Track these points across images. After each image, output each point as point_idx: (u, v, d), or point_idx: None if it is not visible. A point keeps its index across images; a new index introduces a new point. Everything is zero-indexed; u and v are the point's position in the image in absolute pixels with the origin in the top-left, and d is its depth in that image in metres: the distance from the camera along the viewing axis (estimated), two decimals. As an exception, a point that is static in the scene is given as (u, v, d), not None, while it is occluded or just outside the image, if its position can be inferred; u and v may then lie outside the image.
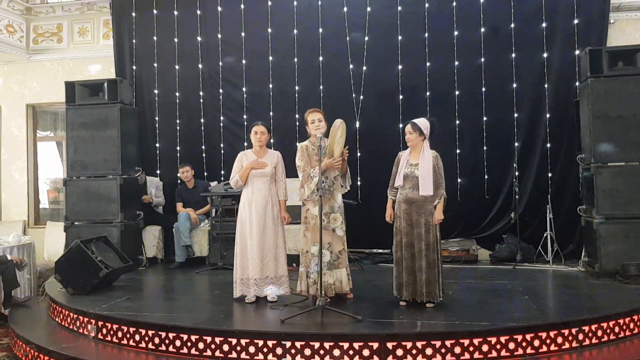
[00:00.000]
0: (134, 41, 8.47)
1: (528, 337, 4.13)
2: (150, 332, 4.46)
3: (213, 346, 4.24)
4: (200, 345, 4.28)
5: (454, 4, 7.59)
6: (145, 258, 7.56)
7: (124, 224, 7.08)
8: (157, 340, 4.43)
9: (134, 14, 8.45)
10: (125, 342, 4.59)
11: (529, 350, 4.13)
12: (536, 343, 4.15)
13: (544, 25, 7.37)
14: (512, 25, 7.44)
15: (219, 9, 8.22)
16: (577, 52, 7.21)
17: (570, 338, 4.25)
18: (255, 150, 5.36)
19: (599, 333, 4.37)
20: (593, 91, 6.25)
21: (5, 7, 8.71)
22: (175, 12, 8.33)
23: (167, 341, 4.39)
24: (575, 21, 7.28)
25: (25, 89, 9.22)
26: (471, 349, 4.04)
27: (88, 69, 8.86)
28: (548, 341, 4.18)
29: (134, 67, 8.47)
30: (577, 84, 7.11)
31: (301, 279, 5.08)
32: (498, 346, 4.08)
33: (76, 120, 7.27)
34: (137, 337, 4.52)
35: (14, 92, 9.24)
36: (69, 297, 5.54)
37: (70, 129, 7.29)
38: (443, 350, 4.02)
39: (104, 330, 4.74)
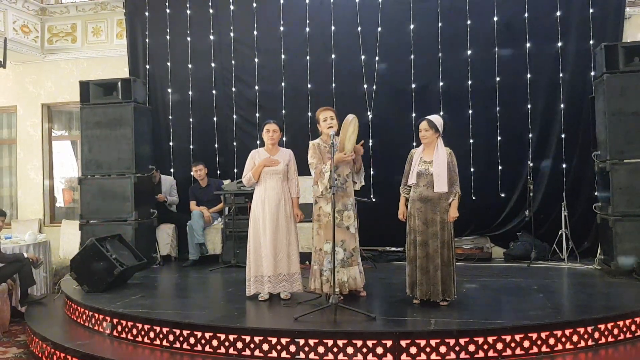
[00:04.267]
0: (147, 40, 8.53)
1: (543, 335, 4.10)
2: (164, 330, 4.49)
3: (227, 343, 4.26)
4: (214, 343, 4.29)
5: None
6: (159, 256, 7.60)
7: (138, 222, 7.12)
8: (171, 337, 4.45)
9: (147, 14, 8.50)
10: (140, 339, 4.62)
11: (544, 349, 4.09)
12: (551, 341, 4.11)
13: (558, 20, 7.30)
14: (526, 20, 7.38)
15: (232, 7, 8.25)
16: (592, 47, 7.13)
17: (586, 336, 4.21)
18: (268, 148, 5.37)
19: (615, 331, 4.33)
20: (609, 87, 6.18)
21: (20, 7, 8.80)
22: (188, 12, 8.37)
23: (181, 338, 4.41)
24: (591, 16, 7.20)
25: (40, 88, 9.31)
26: (485, 347, 4.02)
27: (102, 69, 8.92)
28: (563, 339, 4.14)
29: (147, 67, 8.53)
30: (592, 80, 7.04)
31: (314, 276, 5.08)
32: (512, 344, 4.05)
33: (90, 119, 7.31)
34: (151, 334, 4.55)
35: (29, 92, 9.34)
36: (84, 295, 5.59)
37: (85, 128, 7.33)
38: (457, 348, 4.00)
39: (119, 328, 4.77)
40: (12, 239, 6.97)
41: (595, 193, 6.88)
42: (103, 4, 9.04)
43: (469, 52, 7.54)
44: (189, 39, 8.37)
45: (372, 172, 7.65)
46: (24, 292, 6.32)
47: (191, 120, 8.38)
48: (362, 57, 7.80)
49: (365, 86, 7.79)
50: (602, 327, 4.27)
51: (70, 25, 9.22)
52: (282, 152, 5.38)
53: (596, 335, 4.23)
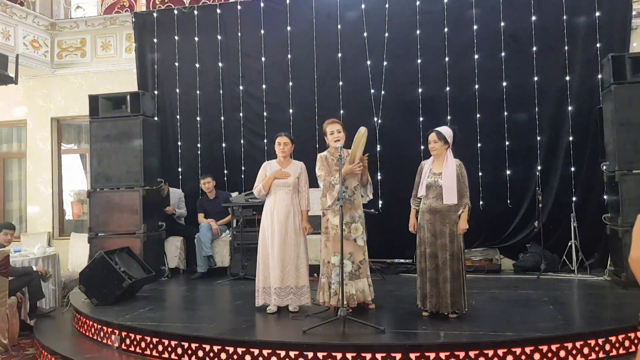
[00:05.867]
0: (155, 54, 8.59)
1: (554, 347, 4.07)
2: (173, 343, 4.49)
3: (235, 357, 4.25)
4: (223, 356, 4.29)
5: (473, 3, 7.55)
6: (167, 269, 7.61)
7: (147, 235, 7.14)
8: (179, 350, 4.45)
9: (155, 28, 8.58)
10: (148, 352, 4.62)
11: (554, 361, 4.07)
12: (562, 354, 4.08)
13: (565, 32, 7.30)
14: (533, 32, 7.39)
15: (239, 7, 8.32)
16: (599, 58, 7.12)
17: (597, 348, 4.17)
18: (279, 160, 5.39)
19: (627, 343, 4.29)
20: (616, 98, 6.17)
21: (31, 22, 8.90)
22: (196, 20, 8.43)
23: (189, 351, 4.41)
24: (597, 27, 7.20)
25: (50, 102, 9.39)
26: (495, 359, 3.99)
27: (111, 82, 9.00)
28: (574, 352, 4.11)
29: (156, 80, 8.59)
30: (599, 90, 7.02)
31: (322, 289, 5.07)
32: (523, 357, 4.02)
33: (100, 132, 7.37)
34: (160, 348, 4.55)
35: (39, 106, 9.42)
36: (93, 308, 5.60)
37: (94, 142, 7.39)
38: (467, 361, 3.98)
39: (128, 341, 4.78)
40: (22, 252, 6.99)
41: (605, 204, 6.84)
42: (112, 18, 9.14)
43: (476, 57, 7.55)
44: (197, 49, 8.43)
45: (379, 184, 7.64)
46: (33, 306, 6.34)
47: (199, 132, 8.43)
48: (369, 63, 7.81)
49: (373, 95, 7.80)
50: (613, 339, 4.24)
51: (80, 39, 9.31)
52: (293, 164, 5.40)
53: (607, 347, 4.20)
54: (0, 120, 9.60)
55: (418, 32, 7.71)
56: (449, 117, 7.52)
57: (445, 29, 7.64)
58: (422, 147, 7.09)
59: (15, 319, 5.89)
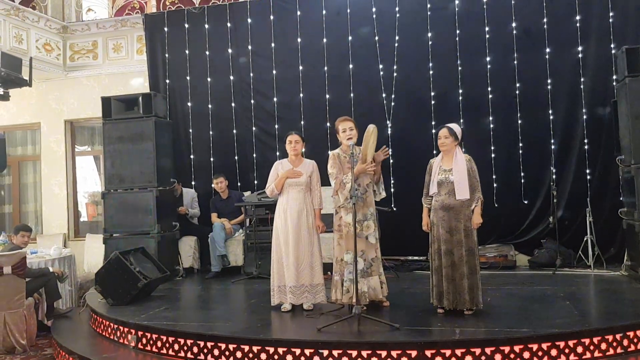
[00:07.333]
0: (166, 55, 8.63)
1: (571, 343, 4.03)
2: (188, 342, 4.51)
3: (251, 355, 4.26)
4: (238, 354, 4.29)
5: (484, 1, 7.51)
6: (181, 268, 7.65)
7: (161, 235, 7.18)
8: (195, 349, 4.47)
9: (166, 29, 8.60)
10: (164, 351, 4.65)
11: (572, 357, 4.02)
12: (579, 349, 4.04)
13: (578, 24, 7.23)
14: (545, 23, 7.32)
15: (249, 20, 8.32)
16: (613, 50, 7.05)
17: (614, 344, 4.13)
18: (291, 159, 5.40)
19: (645, 339, 4.24)
20: (631, 91, 6.10)
21: (43, 26, 8.97)
22: (206, 26, 8.46)
23: (205, 350, 4.43)
24: (611, 18, 7.12)
25: (63, 105, 9.46)
26: (512, 356, 3.97)
27: (123, 84, 9.05)
28: (592, 347, 4.07)
29: (167, 81, 8.62)
30: (614, 83, 6.95)
31: (336, 287, 5.06)
32: (540, 353, 3.99)
33: (113, 134, 7.42)
34: (176, 347, 4.57)
35: (52, 109, 9.50)
36: (109, 308, 5.64)
37: (107, 143, 7.44)
38: (483, 358, 3.95)
39: (144, 340, 4.81)
40: (38, 253, 7.06)
41: (621, 198, 6.77)
42: (123, 20, 9.19)
43: (488, 58, 7.50)
44: (207, 52, 8.46)
45: (392, 182, 7.63)
46: (50, 306, 6.40)
47: (211, 132, 8.45)
48: (380, 66, 7.80)
49: (384, 95, 7.78)
50: (631, 334, 4.19)
51: (92, 42, 9.37)
52: (305, 163, 5.40)
53: (625, 342, 4.15)
54: (15, 123, 9.70)
55: (429, 35, 7.67)
56: (462, 120, 7.46)
57: (457, 32, 7.59)
58: (435, 151, 7.04)
59: (32, 320, 5.95)
